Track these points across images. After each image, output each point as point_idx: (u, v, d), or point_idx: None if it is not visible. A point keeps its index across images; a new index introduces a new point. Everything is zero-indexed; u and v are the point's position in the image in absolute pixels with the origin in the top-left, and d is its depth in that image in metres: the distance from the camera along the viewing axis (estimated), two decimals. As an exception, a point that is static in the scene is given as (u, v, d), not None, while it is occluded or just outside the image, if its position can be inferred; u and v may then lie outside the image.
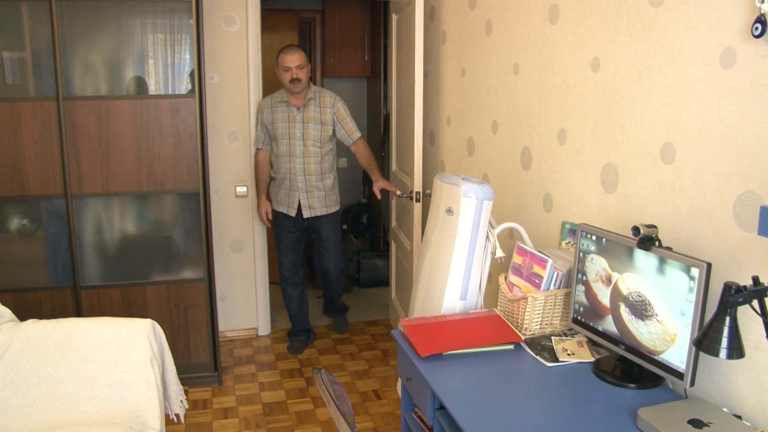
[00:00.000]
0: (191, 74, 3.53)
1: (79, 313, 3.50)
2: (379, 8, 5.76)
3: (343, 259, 4.38)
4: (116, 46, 3.46)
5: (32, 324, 2.63)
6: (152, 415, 2.48)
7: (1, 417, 2.43)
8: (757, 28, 1.55)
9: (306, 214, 4.06)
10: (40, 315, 3.37)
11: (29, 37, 3.31)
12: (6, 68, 3.32)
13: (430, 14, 3.98)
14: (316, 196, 4.05)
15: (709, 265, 1.64)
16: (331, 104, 3.98)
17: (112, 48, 3.46)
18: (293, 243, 4.20)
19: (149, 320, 2.67)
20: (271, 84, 5.24)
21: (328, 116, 3.98)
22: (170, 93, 3.56)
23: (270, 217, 4.20)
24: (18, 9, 3.25)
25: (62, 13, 3.27)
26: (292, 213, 4.07)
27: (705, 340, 1.50)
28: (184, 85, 3.59)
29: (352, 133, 4.08)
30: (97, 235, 3.58)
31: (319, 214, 4.09)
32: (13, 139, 3.29)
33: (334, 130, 4.03)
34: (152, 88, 3.57)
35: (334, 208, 4.17)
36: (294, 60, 3.84)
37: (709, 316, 1.55)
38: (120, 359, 2.55)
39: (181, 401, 2.78)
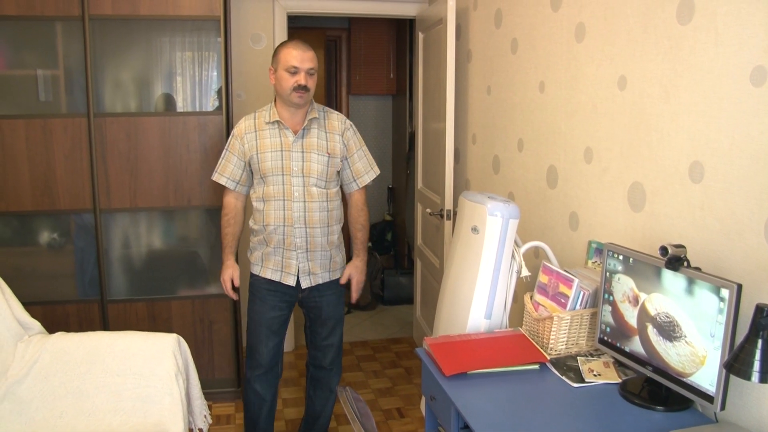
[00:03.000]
0: (218, 92, 3.58)
1: (105, 326, 3.54)
2: (405, 26, 5.80)
3: (341, 351, 3.12)
4: (145, 63, 3.53)
5: (60, 337, 2.67)
6: (176, 429, 2.48)
7: (29, 428, 2.45)
8: (788, 47, 1.54)
9: (305, 283, 2.86)
10: (68, 328, 3.39)
11: (62, 56, 3.38)
12: (40, 86, 3.40)
13: (456, 32, 4.00)
14: (319, 257, 2.85)
15: (740, 286, 1.61)
16: (341, 130, 2.85)
17: (141, 66, 3.52)
18: (279, 325, 2.93)
19: (174, 335, 2.69)
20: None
21: (336, 145, 2.84)
22: (198, 110, 3.61)
23: (236, 283, 2.96)
24: (53, 28, 3.33)
25: (94, 32, 3.34)
26: (290, 281, 2.84)
27: (736, 363, 1.48)
28: (211, 103, 3.64)
29: (360, 175, 2.92)
30: (124, 250, 3.63)
31: (321, 281, 2.90)
32: (45, 155, 3.36)
33: None
34: (180, 106, 3.62)
35: (339, 273, 2.97)
36: (306, 59, 2.70)
37: (739, 339, 1.53)
38: (145, 373, 2.57)
39: (205, 416, 2.79)
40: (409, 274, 5.56)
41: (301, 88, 2.69)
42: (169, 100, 3.61)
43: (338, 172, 2.88)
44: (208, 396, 2.97)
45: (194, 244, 3.74)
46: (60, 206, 3.42)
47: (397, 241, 6.26)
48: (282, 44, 2.78)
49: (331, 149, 2.82)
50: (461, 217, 2.63)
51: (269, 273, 2.86)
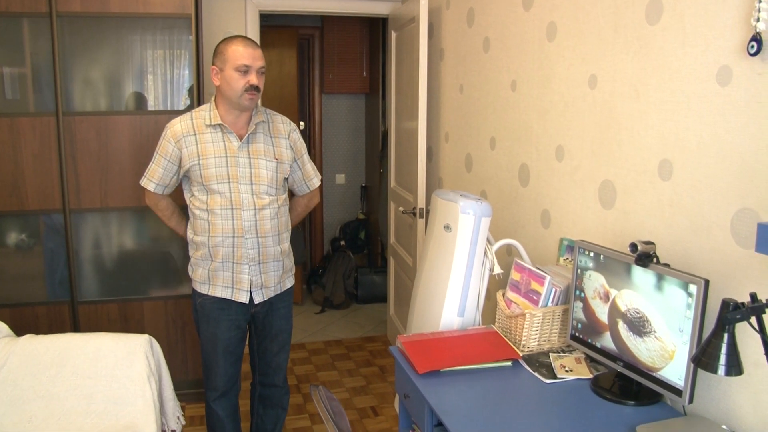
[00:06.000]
0: (190, 90, 3.55)
1: (76, 328, 3.49)
2: (378, 25, 5.80)
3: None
4: (116, 62, 3.48)
5: (29, 339, 2.63)
6: (149, 431, 2.46)
7: (-3, 433, 2.42)
8: (752, 47, 1.57)
9: (258, 298, 2.67)
10: (37, 330, 3.36)
11: (30, 53, 3.32)
12: (6, 83, 3.33)
13: (429, 31, 4.00)
14: (271, 269, 2.67)
15: (707, 282, 1.64)
16: (287, 132, 2.71)
17: (111, 64, 3.47)
18: (236, 344, 2.74)
19: (147, 336, 2.66)
20: (269, 99, 5.27)
21: (284, 150, 2.67)
22: (169, 109, 3.57)
23: None
24: (19, 25, 3.27)
25: (62, 29, 3.29)
26: (243, 298, 2.64)
27: (703, 357, 1.50)
28: (183, 101, 3.60)
29: (310, 177, 2.83)
30: (95, 250, 3.58)
31: (273, 294, 2.72)
32: (13, 154, 3.29)
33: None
34: (151, 104, 3.58)
35: (289, 283, 2.82)
36: (257, 57, 2.52)
37: (707, 333, 1.55)
38: (117, 375, 2.55)
39: (178, 417, 2.76)
40: (382, 273, 5.56)
41: (253, 89, 2.50)
42: (140, 99, 3.57)
43: (285, 178, 2.74)
44: (181, 397, 2.95)
45: (166, 244, 3.70)
46: (28, 207, 3.36)
47: (370, 239, 6.26)
48: (227, 41, 2.54)
49: (279, 155, 2.65)
50: (434, 215, 2.64)
51: (219, 291, 2.64)
